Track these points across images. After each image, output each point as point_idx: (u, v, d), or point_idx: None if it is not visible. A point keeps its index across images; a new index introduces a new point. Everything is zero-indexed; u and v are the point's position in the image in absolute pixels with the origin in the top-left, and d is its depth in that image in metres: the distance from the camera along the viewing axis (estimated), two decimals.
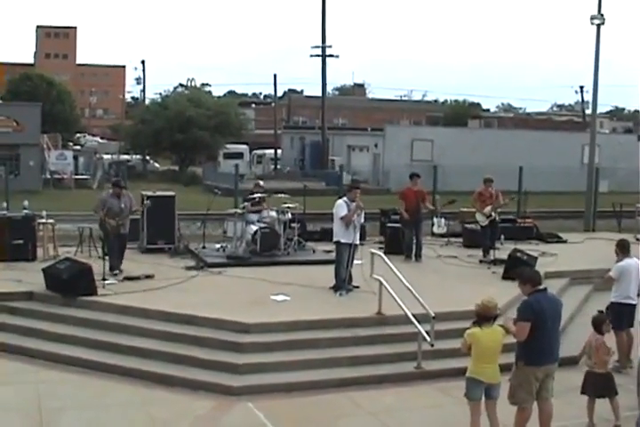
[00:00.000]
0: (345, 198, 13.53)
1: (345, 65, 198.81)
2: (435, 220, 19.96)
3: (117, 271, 14.06)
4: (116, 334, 11.44)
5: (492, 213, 17.36)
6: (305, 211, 18.21)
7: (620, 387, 9.45)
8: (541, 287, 8.39)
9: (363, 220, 13.94)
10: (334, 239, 13.50)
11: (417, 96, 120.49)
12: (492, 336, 8.25)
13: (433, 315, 10.91)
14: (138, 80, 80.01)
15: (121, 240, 14.44)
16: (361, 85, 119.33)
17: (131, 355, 10.98)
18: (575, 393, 9.43)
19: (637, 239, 19.49)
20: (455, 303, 12.37)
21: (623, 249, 11.37)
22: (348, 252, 13.24)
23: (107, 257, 13.85)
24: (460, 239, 19.54)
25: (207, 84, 68.19)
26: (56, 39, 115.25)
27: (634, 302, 11.26)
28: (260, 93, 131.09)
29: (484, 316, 8.29)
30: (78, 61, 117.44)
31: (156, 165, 64.57)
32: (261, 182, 18.23)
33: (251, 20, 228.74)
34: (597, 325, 9.50)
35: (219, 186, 25.68)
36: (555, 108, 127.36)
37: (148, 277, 14.05)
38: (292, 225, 16.99)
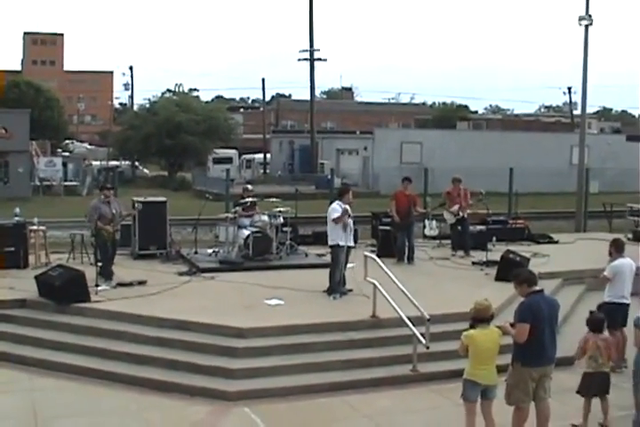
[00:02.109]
0: (338, 202, 13.51)
1: (333, 69, 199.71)
2: (426, 222, 19.99)
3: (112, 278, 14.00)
4: (109, 341, 11.40)
5: (460, 213, 17.60)
6: (296, 215, 18.19)
7: (614, 386, 9.48)
8: (538, 288, 8.40)
9: (352, 222, 13.91)
10: (331, 243, 13.39)
11: (405, 99, 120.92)
12: (489, 337, 8.26)
13: (428, 317, 10.89)
14: (126, 86, 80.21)
15: (114, 246, 14.41)
16: (349, 89, 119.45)
17: (125, 361, 10.94)
18: (570, 394, 9.43)
19: (628, 239, 19.57)
20: (449, 305, 12.39)
21: (618, 248, 11.43)
22: (344, 254, 13.25)
23: (99, 264, 13.79)
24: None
25: (195, 90, 68.28)
26: (43, 46, 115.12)
27: (627, 302, 11.34)
28: (248, 98, 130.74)
29: (479, 317, 8.31)
30: (66, 68, 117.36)
31: (145, 170, 64.32)
32: (250, 186, 18.12)
33: (238, 25, 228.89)
34: (597, 325, 9.47)
35: (208, 191, 25.65)
36: (542, 110, 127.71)
37: (141, 283, 14.00)
38: (284, 229, 16.97)
